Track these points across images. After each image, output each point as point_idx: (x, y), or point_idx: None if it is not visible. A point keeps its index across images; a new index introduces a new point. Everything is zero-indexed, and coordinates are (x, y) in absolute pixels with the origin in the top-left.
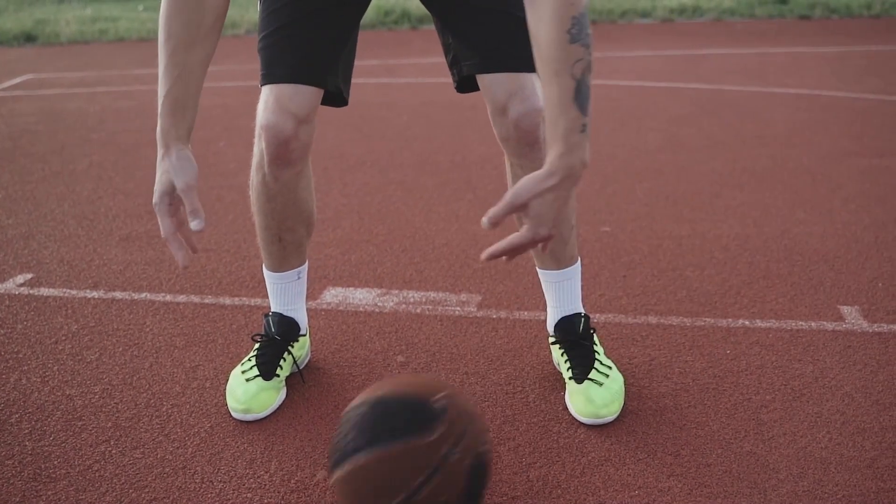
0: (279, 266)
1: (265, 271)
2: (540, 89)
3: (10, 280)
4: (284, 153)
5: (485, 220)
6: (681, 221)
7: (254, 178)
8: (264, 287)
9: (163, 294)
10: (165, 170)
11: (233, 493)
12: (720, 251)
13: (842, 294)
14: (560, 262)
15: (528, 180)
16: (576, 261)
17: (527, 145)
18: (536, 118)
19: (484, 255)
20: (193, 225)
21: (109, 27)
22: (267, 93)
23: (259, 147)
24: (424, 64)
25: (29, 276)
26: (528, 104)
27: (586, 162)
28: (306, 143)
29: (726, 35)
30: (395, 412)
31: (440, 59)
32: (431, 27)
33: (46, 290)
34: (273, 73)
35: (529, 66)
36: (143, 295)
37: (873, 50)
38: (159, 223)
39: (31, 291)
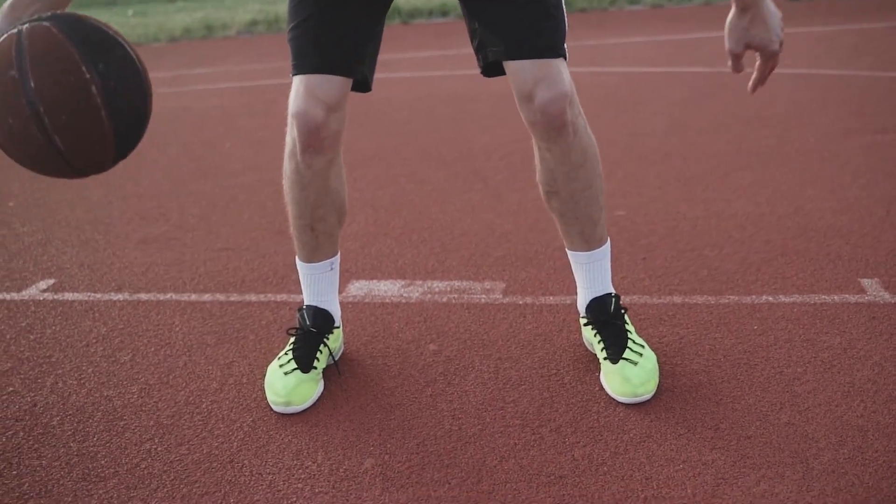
0: (312, 256)
1: (298, 262)
2: (566, 74)
3: (34, 286)
4: (316, 140)
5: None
6: (694, 203)
7: (286, 167)
8: (289, 283)
9: (188, 294)
10: None
11: (283, 485)
12: (736, 230)
13: (861, 267)
14: (590, 244)
15: (732, 28)
16: (605, 242)
17: (554, 129)
18: (563, 103)
19: (750, 90)
20: None
21: None
22: (297, 82)
23: (291, 135)
24: (419, 58)
25: (51, 281)
26: (554, 90)
27: None
28: (337, 131)
29: (716, 18)
30: None
31: (433, 53)
32: (422, 21)
33: (70, 294)
34: (303, 64)
35: (555, 52)
36: (169, 295)
37: (864, 28)
38: None
39: (55, 296)
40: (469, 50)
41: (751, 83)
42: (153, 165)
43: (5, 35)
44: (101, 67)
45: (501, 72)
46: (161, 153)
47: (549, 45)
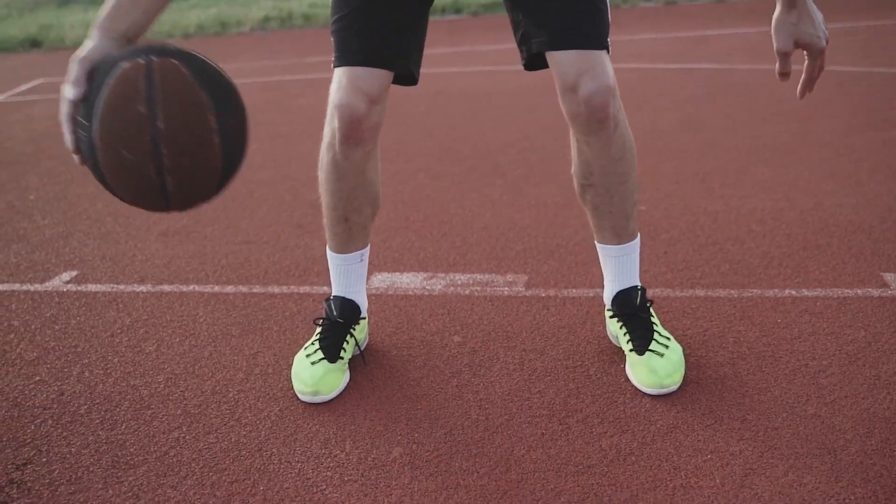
0: (344, 247)
1: (329, 253)
2: (610, 67)
3: (57, 278)
4: (356, 132)
5: (780, 75)
6: (713, 198)
7: (324, 157)
8: (311, 275)
9: (210, 285)
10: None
11: (312, 473)
12: (757, 224)
13: (883, 262)
14: (621, 238)
15: (780, 26)
16: (636, 236)
17: (596, 122)
18: (607, 95)
19: (799, 94)
20: (67, 91)
21: None
22: (340, 74)
23: (331, 126)
24: (434, 55)
25: (74, 273)
26: (599, 82)
27: None
28: (377, 124)
29: (729, 15)
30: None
31: (446, 50)
32: (436, 18)
33: (93, 286)
34: (346, 56)
35: (600, 44)
36: (192, 287)
37: (878, 24)
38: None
39: (78, 288)
40: (480, 47)
41: (800, 87)
42: None
43: (129, 64)
44: (224, 118)
45: (543, 65)
46: None
47: (594, 36)
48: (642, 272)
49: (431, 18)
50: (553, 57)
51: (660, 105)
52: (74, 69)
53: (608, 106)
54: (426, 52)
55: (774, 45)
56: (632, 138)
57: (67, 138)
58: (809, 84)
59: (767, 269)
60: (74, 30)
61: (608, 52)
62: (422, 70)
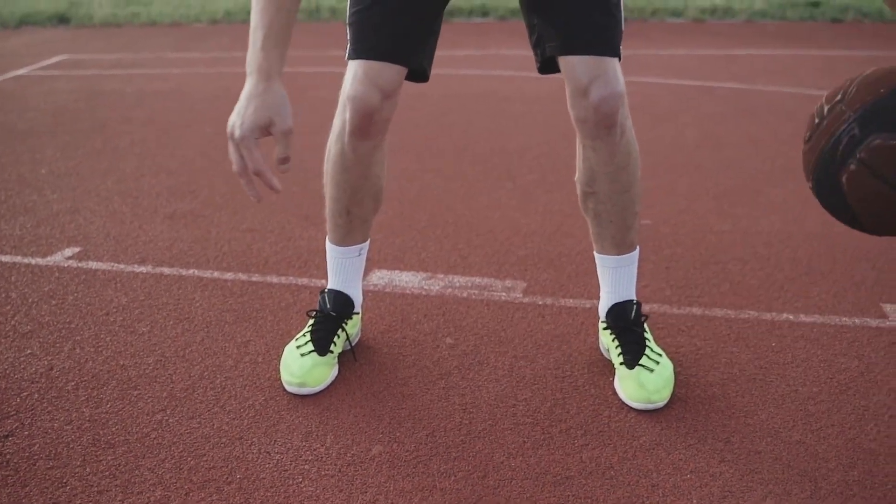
0: (343, 240)
1: (328, 244)
2: (621, 74)
3: (59, 253)
4: (367, 125)
5: None
6: (722, 216)
7: (331, 148)
8: (311, 267)
9: (210, 271)
10: (264, 104)
11: (290, 465)
12: (762, 246)
13: (884, 292)
14: (620, 249)
15: None
16: (635, 248)
17: (604, 128)
18: (617, 102)
19: None
20: (283, 168)
21: (142, 10)
22: (356, 66)
23: (342, 118)
24: (457, 56)
25: (76, 249)
26: (610, 88)
27: None
28: (387, 118)
29: (759, 36)
30: None
31: (470, 52)
32: (461, 21)
33: (94, 263)
34: (363, 49)
35: (612, 51)
36: (191, 271)
37: None
38: (240, 157)
39: (79, 264)
40: (504, 51)
41: None
42: (187, 143)
43: None
44: None
45: (557, 69)
46: (196, 132)
47: (607, 42)
48: (642, 286)
49: (458, 21)
50: (566, 61)
51: (681, 121)
52: (285, 146)
53: (617, 113)
54: (449, 53)
55: None
56: (637, 149)
57: (252, 192)
58: None
59: (768, 292)
60: (103, 8)
61: (619, 60)
62: (444, 71)
